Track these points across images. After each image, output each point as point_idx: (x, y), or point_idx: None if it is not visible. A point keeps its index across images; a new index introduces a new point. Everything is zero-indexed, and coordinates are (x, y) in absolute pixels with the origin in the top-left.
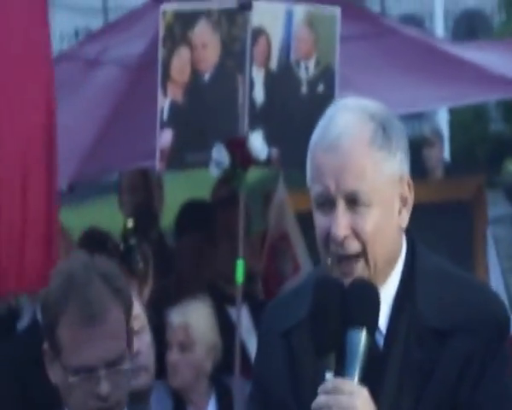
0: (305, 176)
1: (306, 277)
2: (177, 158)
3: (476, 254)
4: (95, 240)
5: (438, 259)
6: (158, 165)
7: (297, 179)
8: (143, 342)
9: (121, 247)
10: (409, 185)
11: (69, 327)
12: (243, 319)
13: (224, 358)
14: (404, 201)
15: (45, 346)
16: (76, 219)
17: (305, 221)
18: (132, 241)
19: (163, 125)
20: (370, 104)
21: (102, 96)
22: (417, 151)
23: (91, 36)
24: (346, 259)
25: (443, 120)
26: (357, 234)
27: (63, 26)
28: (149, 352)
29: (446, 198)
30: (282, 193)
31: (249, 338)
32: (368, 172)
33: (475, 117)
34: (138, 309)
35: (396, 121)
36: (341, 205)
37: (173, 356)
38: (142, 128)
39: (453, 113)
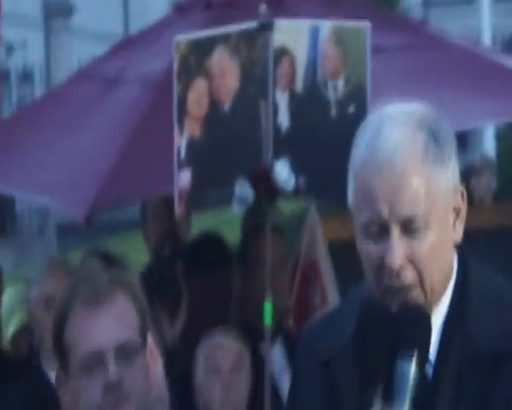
0: (334, 204)
1: (346, 299)
2: (198, 198)
3: None
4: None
5: (495, 276)
6: (177, 208)
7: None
8: (155, 375)
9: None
10: (462, 195)
11: (75, 316)
12: (276, 356)
13: (257, 397)
14: (457, 212)
15: (56, 372)
16: None
17: (336, 251)
18: (165, 272)
19: (181, 166)
20: (416, 109)
21: (123, 118)
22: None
23: (110, 52)
24: (402, 290)
25: (490, 148)
26: (413, 261)
27: (81, 54)
28: (162, 383)
29: (496, 224)
30: (313, 219)
31: (282, 377)
32: (424, 193)
33: None
34: (149, 340)
35: (444, 123)
36: (396, 232)
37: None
38: (165, 151)
39: (501, 140)
